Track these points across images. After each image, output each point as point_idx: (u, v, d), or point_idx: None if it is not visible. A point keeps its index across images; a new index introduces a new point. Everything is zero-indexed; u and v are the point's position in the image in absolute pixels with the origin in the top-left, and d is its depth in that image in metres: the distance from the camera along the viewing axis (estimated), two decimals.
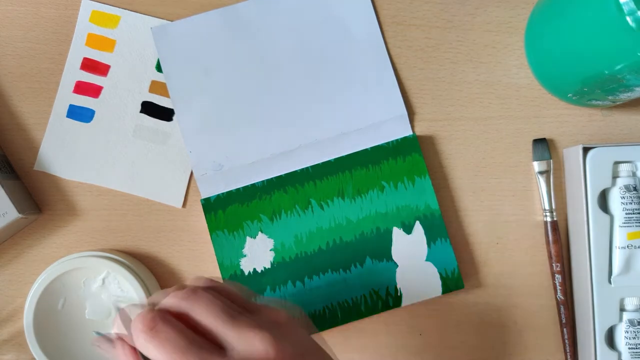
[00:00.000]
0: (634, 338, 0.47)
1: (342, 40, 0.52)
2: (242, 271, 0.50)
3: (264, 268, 0.50)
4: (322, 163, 0.51)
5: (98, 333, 0.47)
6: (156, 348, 0.31)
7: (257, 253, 0.50)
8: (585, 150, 0.49)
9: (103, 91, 0.52)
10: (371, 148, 0.51)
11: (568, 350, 0.50)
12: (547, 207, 0.51)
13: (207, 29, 0.52)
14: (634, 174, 0.49)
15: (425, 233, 0.50)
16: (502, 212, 0.52)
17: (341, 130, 0.52)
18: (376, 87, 0.52)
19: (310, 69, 0.52)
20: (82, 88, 0.52)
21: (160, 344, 0.31)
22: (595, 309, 0.48)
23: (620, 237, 0.48)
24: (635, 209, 0.48)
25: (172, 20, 0.52)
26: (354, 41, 0.52)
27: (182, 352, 0.31)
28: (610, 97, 0.48)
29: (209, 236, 0.51)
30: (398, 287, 0.50)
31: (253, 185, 0.51)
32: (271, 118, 0.52)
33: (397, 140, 0.51)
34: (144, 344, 0.32)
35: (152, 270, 0.51)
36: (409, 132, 0.52)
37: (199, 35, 0.52)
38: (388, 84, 0.52)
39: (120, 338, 0.35)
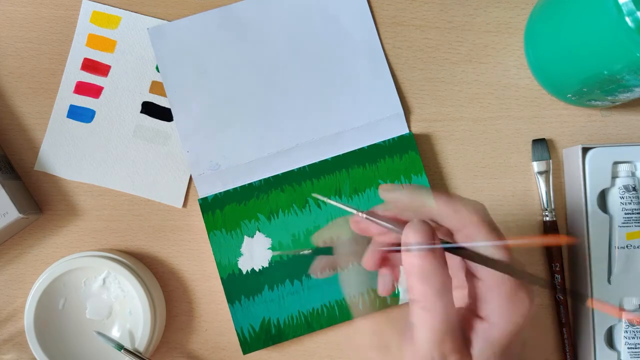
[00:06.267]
0: (633, 338, 0.47)
1: (338, 39, 0.52)
2: (240, 270, 0.50)
3: (262, 267, 0.50)
4: (319, 162, 0.51)
5: (99, 333, 0.48)
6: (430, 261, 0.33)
7: (255, 252, 0.50)
8: (585, 150, 0.49)
9: (103, 91, 0.52)
10: (368, 146, 0.51)
11: (567, 350, 0.50)
12: (546, 207, 0.51)
13: (204, 29, 0.52)
14: (633, 174, 0.49)
15: None
16: (502, 212, 0.52)
17: (338, 129, 0.52)
18: (372, 85, 0.52)
19: (306, 68, 0.52)
20: (82, 88, 0.52)
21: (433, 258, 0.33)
22: (595, 309, 0.48)
23: (619, 237, 0.48)
24: (635, 209, 0.48)
25: (172, 21, 0.52)
26: (350, 40, 0.52)
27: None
28: (609, 98, 0.47)
29: None
30: (396, 284, 0.50)
31: (250, 184, 0.51)
32: (268, 117, 0.52)
33: (393, 138, 0.51)
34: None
35: (152, 270, 0.51)
36: (406, 131, 0.52)
37: (196, 35, 0.52)
38: (384, 82, 0.52)
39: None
